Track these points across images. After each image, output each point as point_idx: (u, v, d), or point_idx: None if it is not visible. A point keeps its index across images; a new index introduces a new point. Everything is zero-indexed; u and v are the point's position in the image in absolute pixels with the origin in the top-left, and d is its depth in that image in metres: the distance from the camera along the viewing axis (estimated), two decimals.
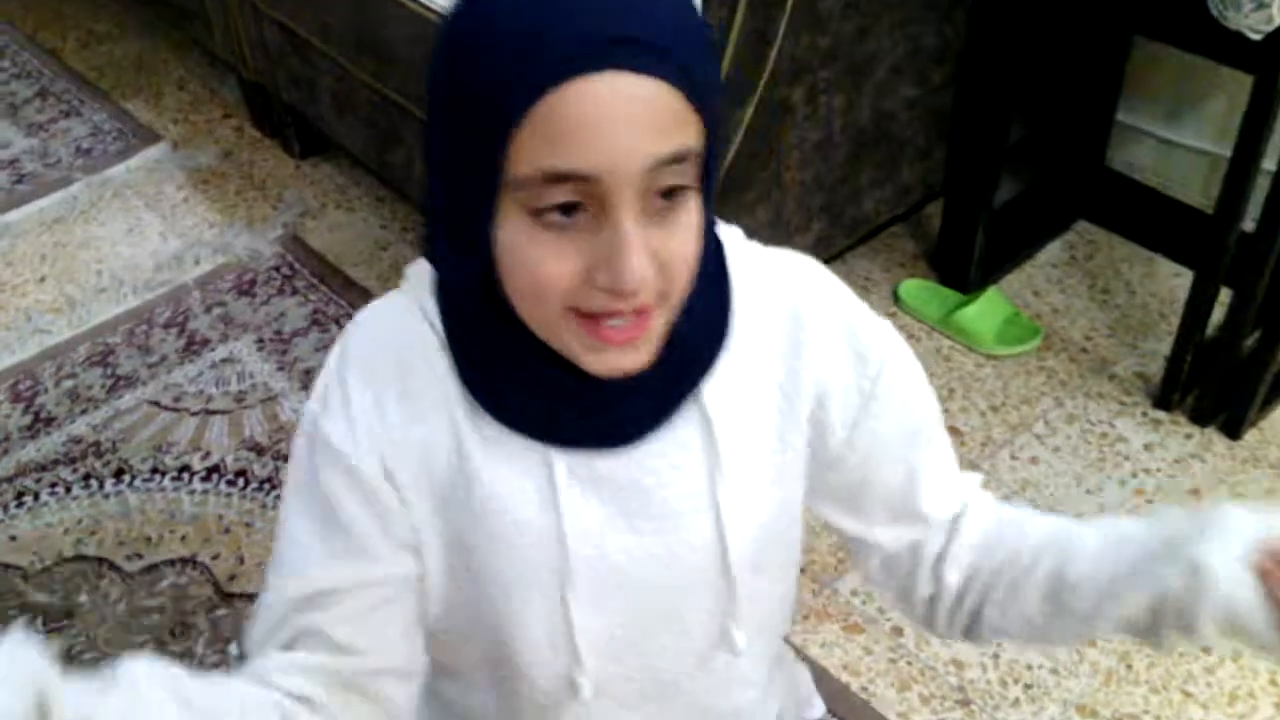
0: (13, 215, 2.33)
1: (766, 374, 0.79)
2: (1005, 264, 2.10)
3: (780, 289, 0.80)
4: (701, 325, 0.75)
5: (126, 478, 1.84)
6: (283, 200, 2.34)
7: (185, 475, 1.84)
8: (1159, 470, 1.75)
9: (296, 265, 2.20)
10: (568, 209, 0.63)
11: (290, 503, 0.77)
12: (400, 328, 0.76)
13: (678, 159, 0.63)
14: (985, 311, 1.97)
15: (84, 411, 1.96)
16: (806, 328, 0.79)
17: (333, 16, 1.92)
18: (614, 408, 0.74)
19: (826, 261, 0.85)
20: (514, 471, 0.76)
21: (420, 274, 0.77)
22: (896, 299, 2.07)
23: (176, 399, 1.97)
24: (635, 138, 0.61)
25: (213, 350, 2.05)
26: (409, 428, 0.75)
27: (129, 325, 2.11)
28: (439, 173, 0.69)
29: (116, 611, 1.66)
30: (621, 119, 0.61)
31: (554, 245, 0.64)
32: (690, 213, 0.67)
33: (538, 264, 0.65)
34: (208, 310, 2.12)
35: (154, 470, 1.85)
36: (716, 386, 0.77)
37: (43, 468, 1.87)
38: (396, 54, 1.79)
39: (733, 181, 1.63)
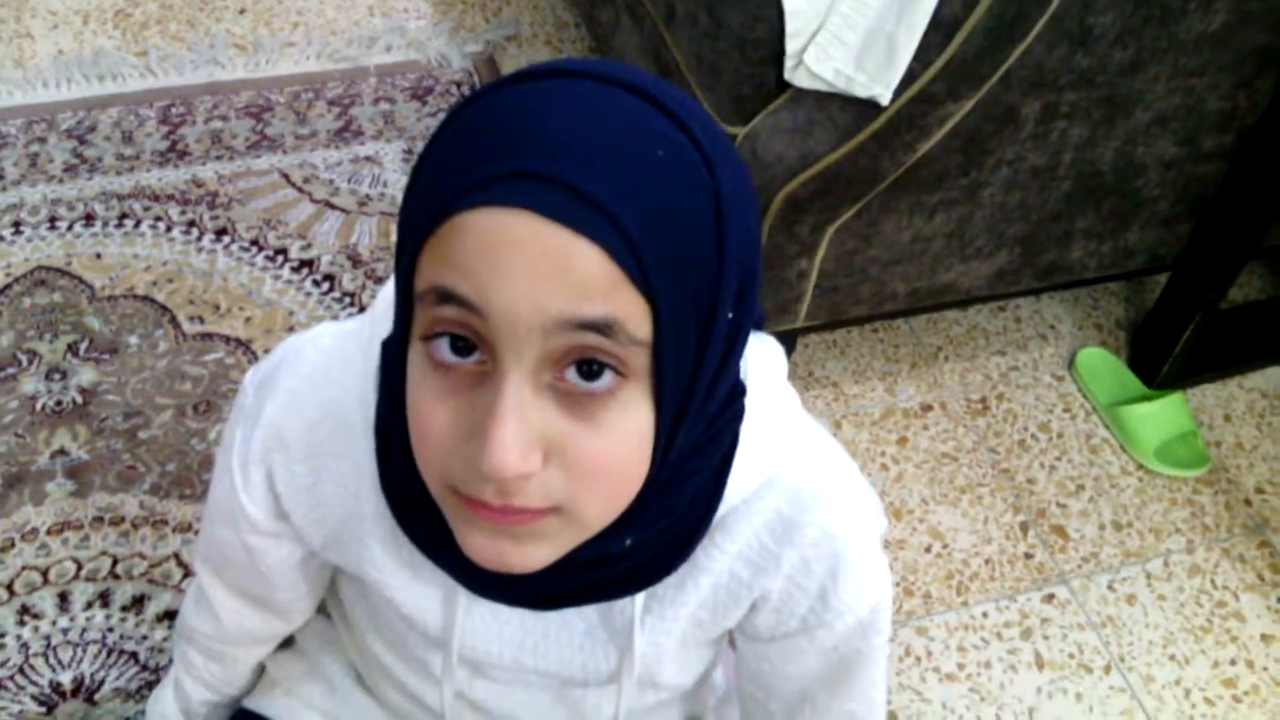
0: None
1: (721, 568, 0.69)
2: (1208, 372, 1.82)
3: (789, 493, 0.67)
4: (652, 547, 0.64)
5: (226, 239, 1.80)
6: (499, 16, 2.21)
7: (279, 259, 1.78)
8: (1265, 669, 1.49)
9: (478, 87, 2.08)
10: (460, 347, 0.53)
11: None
12: (333, 394, 0.70)
13: (599, 329, 0.50)
14: (1159, 417, 1.71)
15: (219, 158, 1.92)
16: (791, 543, 0.67)
17: None
18: (517, 587, 0.66)
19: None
20: (418, 578, 0.71)
21: (385, 310, 0.66)
22: (1071, 363, 1.82)
23: (306, 179, 1.90)
24: (535, 286, 0.50)
25: (362, 144, 1.97)
26: (313, 489, 0.73)
27: (297, 88, 2.04)
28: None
29: (157, 366, 1.63)
30: (523, 260, 0.51)
31: (440, 389, 0.55)
32: (625, 413, 0.53)
33: (419, 405, 0.56)
34: (375, 102, 2.04)
35: (254, 242, 1.80)
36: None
37: (155, 198, 1.84)
38: None
39: (919, 176, 1.42)
